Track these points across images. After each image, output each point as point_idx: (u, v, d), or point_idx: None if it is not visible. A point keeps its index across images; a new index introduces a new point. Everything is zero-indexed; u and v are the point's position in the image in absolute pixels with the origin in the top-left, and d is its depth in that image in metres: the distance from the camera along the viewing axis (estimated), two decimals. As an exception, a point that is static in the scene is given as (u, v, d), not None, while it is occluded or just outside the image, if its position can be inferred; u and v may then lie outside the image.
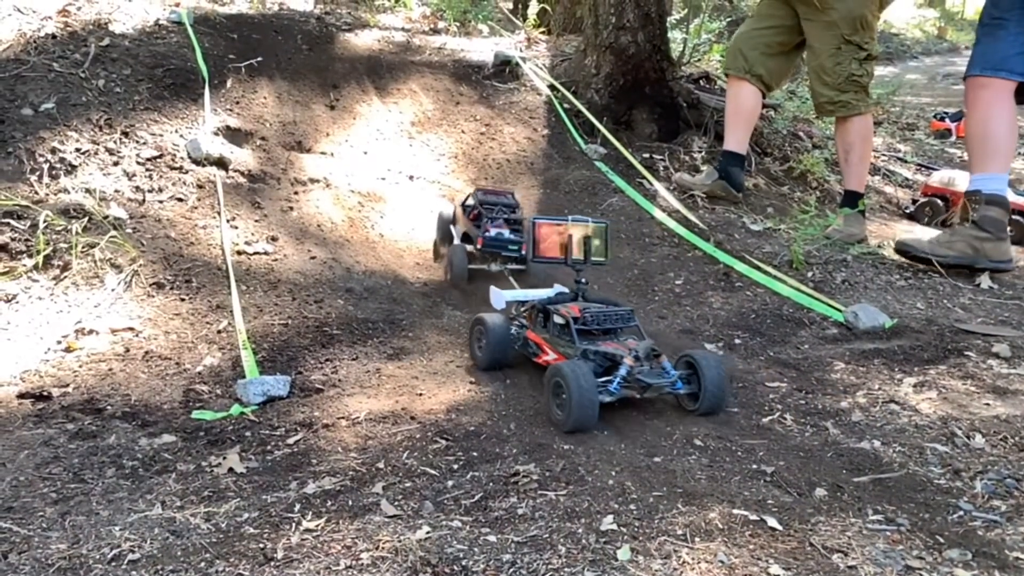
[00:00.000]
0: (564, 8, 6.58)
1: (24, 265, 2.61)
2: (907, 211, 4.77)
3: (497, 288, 2.59)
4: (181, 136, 3.43)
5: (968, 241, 3.19)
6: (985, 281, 3.14)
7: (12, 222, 2.70)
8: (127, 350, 2.38)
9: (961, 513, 1.58)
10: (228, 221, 3.09)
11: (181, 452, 1.86)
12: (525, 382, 2.30)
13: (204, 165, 3.33)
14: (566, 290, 2.43)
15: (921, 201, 4.68)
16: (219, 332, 2.52)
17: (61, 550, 1.43)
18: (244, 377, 2.23)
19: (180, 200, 3.13)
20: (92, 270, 2.64)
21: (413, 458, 1.79)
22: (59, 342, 2.38)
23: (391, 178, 3.92)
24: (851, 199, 3.79)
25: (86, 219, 2.78)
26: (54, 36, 3.64)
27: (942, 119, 6.82)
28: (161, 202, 3.08)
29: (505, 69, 4.94)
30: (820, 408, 2.16)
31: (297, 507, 1.59)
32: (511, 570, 1.34)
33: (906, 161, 5.75)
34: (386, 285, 3.05)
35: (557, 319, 2.24)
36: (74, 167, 3.03)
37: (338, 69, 4.42)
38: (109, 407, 2.07)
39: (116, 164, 3.14)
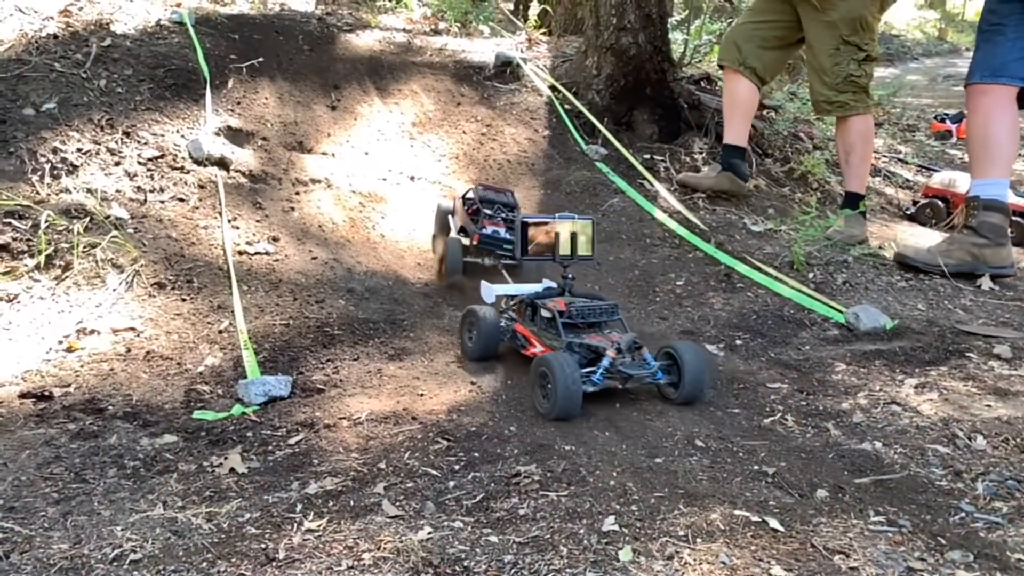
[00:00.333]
0: (565, 9, 6.59)
1: (26, 265, 2.61)
2: (908, 212, 4.77)
3: (487, 283, 2.65)
4: (182, 136, 3.43)
5: (967, 248, 3.19)
6: (986, 282, 3.14)
7: (14, 222, 2.70)
8: (128, 350, 2.38)
9: (963, 515, 1.58)
10: (229, 221, 3.09)
11: (183, 452, 1.86)
12: (526, 383, 2.30)
13: (205, 165, 3.33)
14: (554, 285, 2.52)
15: (922, 202, 4.68)
16: (220, 332, 2.52)
17: (63, 550, 1.43)
18: (245, 377, 2.23)
19: (181, 200, 3.13)
20: (93, 270, 2.64)
21: (414, 458, 1.79)
22: (60, 342, 2.38)
23: (392, 179, 3.92)
24: (852, 200, 3.79)
25: (87, 219, 2.78)
26: (56, 36, 3.65)
27: (943, 120, 6.82)
28: (162, 202, 3.08)
29: (506, 70, 4.94)
30: (821, 409, 2.16)
31: (299, 507, 1.59)
32: (513, 571, 1.34)
33: (907, 162, 5.75)
34: (387, 285, 3.05)
35: (544, 313, 2.33)
36: (76, 167, 3.04)
37: (339, 70, 4.42)
38: (110, 407, 2.07)
39: (118, 164, 3.14)
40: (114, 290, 2.61)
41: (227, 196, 3.21)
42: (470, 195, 3.25)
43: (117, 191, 3.02)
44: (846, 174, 3.88)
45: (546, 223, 2.42)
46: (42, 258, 2.62)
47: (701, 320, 2.92)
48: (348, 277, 3.03)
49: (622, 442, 1.92)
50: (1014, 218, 3.75)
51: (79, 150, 3.10)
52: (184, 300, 2.65)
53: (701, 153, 4.49)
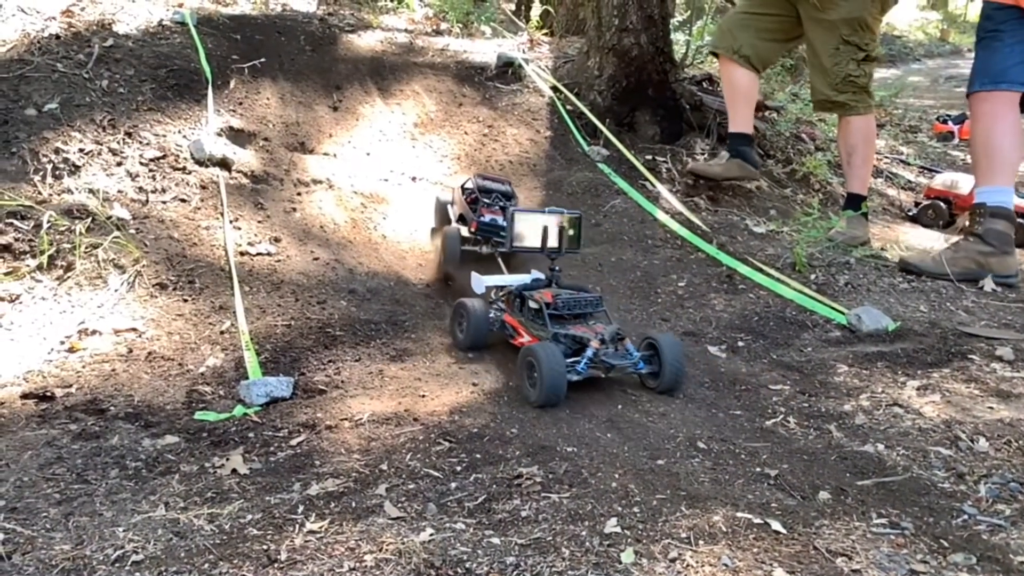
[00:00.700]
0: (567, 10, 6.58)
1: (28, 265, 2.61)
2: (910, 214, 4.76)
3: (477, 274, 2.74)
4: (184, 137, 3.43)
5: (973, 256, 3.18)
6: (988, 284, 3.13)
7: (16, 222, 2.70)
8: (130, 351, 2.38)
9: (965, 517, 1.58)
10: (231, 222, 3.09)
11: (184, 453, 1.86)
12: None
13: (207, 166, 3.33)
14: (542, 277, 2.59)
15: (924, 204, 4.68)
16: (222, 333, 2.52)
17: (65, 551, 1.43)
18: (247, 378, 2.23)
19: (183, 201, 3.13)
20: (95, 271, 2.65)
21: (416, 460, 1.79)
22: (62, 342, 2.38)
23: (394, 179, 3.92)
24: (854, 202, 3.78)
25: (89, 219, 2.78)
26: (58, 36, 3.65)
27: (945, 122, 6.81)
28: (164, 203, 3.08)
29: (508, 71, 4.94)
30: (823, 411, 2.16)
31: (300, 509, 1.59)
32: (515, 573, 1.34)
33: (909, 164, 5.74)
34: (389, 286, 3.05)
35: (532, 304, 2.42)
36: (77, 167, 3.04)
37: (341, 70, 4.42)
38: (112, 408, 2.07)
39: (119, 164, 3.14)
40: (116, 291, 2.61)
41: (229, 197, 3.21)
42: (468, 185, 3.30)
43: (119, 191, 3.02)
44: (848, 175, 3.88)
45: (536, 215, 2.51)
46: (44, 258, 2.62)
47: (703, 321, 2.92)
48: (350, 278, 3.03)
49: (624, 444, 1.91)
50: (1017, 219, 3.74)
51: (81, 150, 3.10)
52: (186, 301, 2.65)
53: (703, 154, 4.48)
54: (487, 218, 3.08)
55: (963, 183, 4.48)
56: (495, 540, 1.44)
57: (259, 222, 3.19)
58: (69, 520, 1.55)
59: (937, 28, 17.05)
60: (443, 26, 5.61)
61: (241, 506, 1.61)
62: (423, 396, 2.17)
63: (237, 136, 3.66)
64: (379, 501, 1.61)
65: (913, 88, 9.46)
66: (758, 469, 1.78)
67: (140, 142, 3.28)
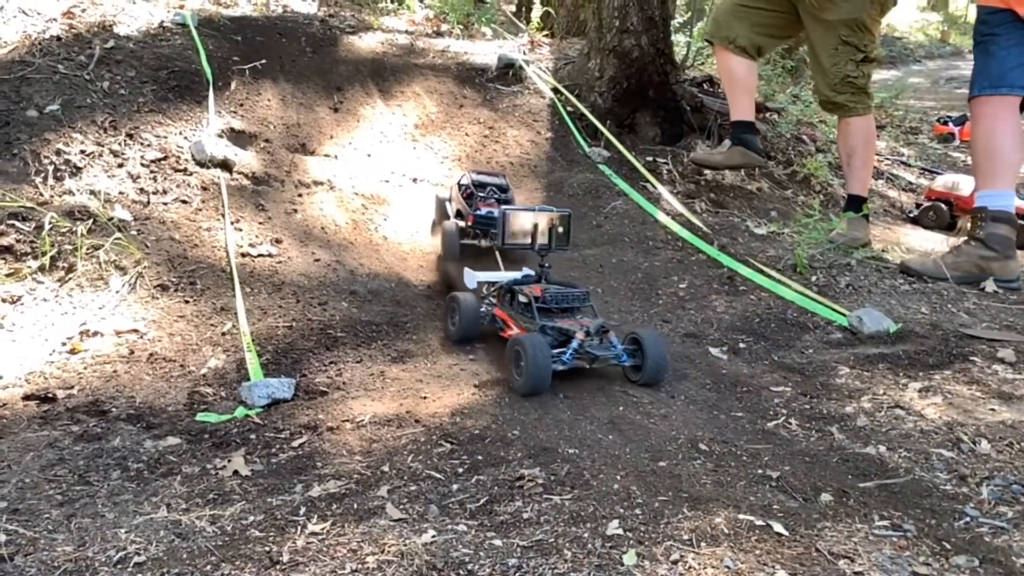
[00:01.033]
0: (567, 11, 6.59)
1: (29, 267, 2.61)
2: (911, 215, 4.77)
3: (470, 270, 2.83)
4: (185, 138, 3.43)
5: (974, 261, 3.18)
6: (990, 286, 3.13)
7: (17, 224, 2.70)
8: (131, 352, 2.38)
9: (967, 519, 1.58)
10: (232, 223, 3.09)
11: (186, 454, 1.86)
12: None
13: (208, 167, 3.34)
14: (532, 272, 2.67)
15: (925, 205, 4.68)
16: (223, 334, 2.52)
17: (67, 552, 1.43)
18: (248, 379, 2.23)
19: (184, 202, 3.13)
20: (97, 272, 2.65)
21: (418, 461, 1.79)
22: (64, 344, 2.38)
23: (395, 180, 3.92)
24: (855, 203, 3.78)
25: (91, 221, 2.78)
26: (59, 38, 3.65)
27: (945, 123, 6.82)
28: (165, 204, 3.08)
29: (508, 72, 4.94)
30: (825, 413, 2.16)
31: (302, 510, 1.59)
32: (517, 574, 1.34)
33: (910, 165, 5.74)
34: (390, 288, 3.05)
35: (521, 298, 2.51)
36: (79, 169, 3.04)
37: (342, 72, 4.43)
38: (114, 409, 2.07)
39: (120, 166, 3.14)
40: (117, 292, 2.61)
41: (230, 198, 3.21)
42: (464, 180, 3.38)
43: (120, 193, 3.02)
44: (848, 177, 3.88)
45: (526, 213, 2.59)
46: (46, 260, 2.62)
47: (704, 323, 2.92)
48: (351, 279, 3.03)
49: (626, 445, 1.91)
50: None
51: (82, 152, 3.10)
52: (187, 302, 2.65)
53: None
54: (483, 211, 3.16)
55: (964, 185, 4.48)
56: (497, 542, 1.44)
57: (260, 223, 3.19)
58: (71, 521, 1.55)
59: (938, 29, 17.06)
60: (444, 27, 5.61)
61: (243, 507, 1.61)
62: (424, 397, 2.17)
63: (238, 137, 3.66)
64: (381, 503, 1.61)
65: (914, 89, 9.46)
66: (760, 471, 1.78)
67: (141, 143, 3.28)
